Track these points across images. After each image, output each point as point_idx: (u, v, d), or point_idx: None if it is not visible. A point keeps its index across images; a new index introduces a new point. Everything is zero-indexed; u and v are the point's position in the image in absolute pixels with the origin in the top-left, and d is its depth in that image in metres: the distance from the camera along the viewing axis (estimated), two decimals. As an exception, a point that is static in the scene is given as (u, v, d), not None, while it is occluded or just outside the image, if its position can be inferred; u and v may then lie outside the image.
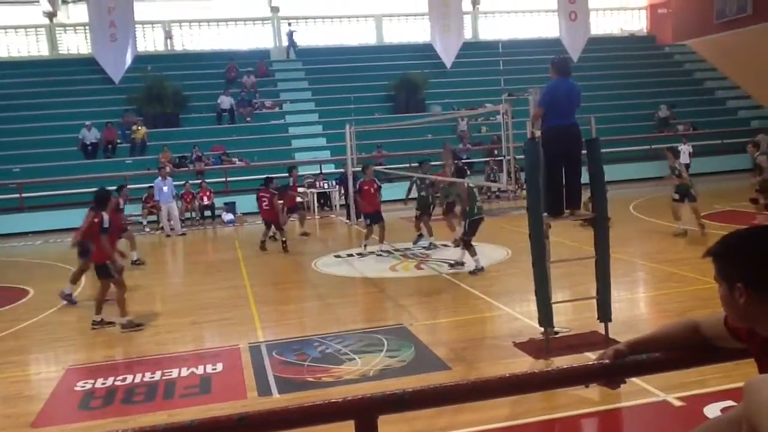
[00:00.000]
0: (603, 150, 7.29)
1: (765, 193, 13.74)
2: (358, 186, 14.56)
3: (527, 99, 7.28)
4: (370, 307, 9.66)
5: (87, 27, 26.90)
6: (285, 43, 29.88)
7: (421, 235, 13.83)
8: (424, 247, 13.50)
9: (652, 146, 25.74)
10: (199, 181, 21.31)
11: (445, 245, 13.32)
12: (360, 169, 15.71)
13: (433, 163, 15.57)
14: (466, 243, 10.89)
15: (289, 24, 30.03)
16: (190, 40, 30.35)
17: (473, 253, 10.85)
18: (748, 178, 15.36)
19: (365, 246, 13.39)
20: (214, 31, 30.43)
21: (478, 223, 10.87)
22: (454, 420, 5.18)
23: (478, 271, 10.80)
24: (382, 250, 13.19)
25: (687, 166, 23.18)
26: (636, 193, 19.78)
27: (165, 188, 18.30)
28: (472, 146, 24.89)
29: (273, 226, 14.71)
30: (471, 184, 11.13)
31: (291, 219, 16.36)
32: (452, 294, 9.93)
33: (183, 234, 18.31)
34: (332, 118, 25.19)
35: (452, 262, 11.59)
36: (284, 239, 14.37)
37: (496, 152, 22.19)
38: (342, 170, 19.26)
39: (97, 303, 9.12)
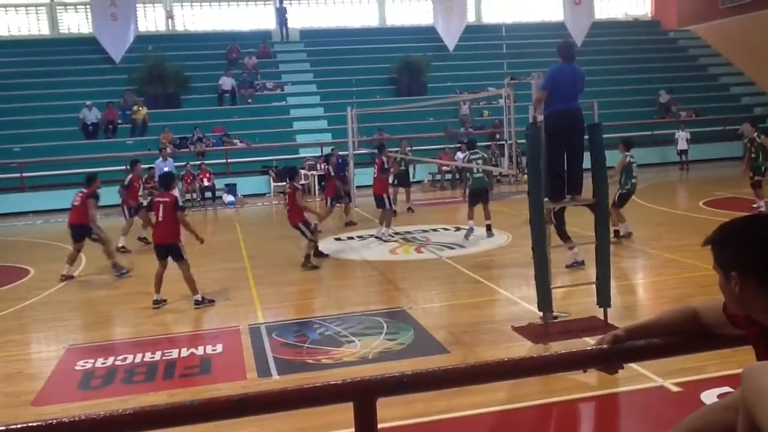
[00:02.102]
0: (605, 135, 7.27)
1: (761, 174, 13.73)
2: (387, 164, 13.21)
3: (530, 83, 7.24)
4: (370, 290, 9.68)
5: (88, 6, 26.73)
6: (281, 25, 29.41)
7: (472, 229, 12.35)
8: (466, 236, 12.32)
9: (654, 132, 25.66)
10: (200, 162, 21.27)
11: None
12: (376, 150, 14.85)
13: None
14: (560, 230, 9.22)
15: (281, 2, 29.55)
16: (191, 20, 30.14)
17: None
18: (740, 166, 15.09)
19: (390, 234, 12.89)
20: (216, 11, 30.21)
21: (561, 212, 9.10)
22: (453, 403, 5.21)
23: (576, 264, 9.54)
24: (390, 235, 12.96)
25: (684, 152, 23.20)
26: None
27: (166, 169, 18.24)
28: (473, 130, 24.82)
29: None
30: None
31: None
32: (452, 278, 9.95)
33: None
34: (334, 100, 25.09)
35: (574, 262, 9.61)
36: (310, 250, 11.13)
37: (497, 136, 22.14)
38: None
39: (189, 284, 8.86)
